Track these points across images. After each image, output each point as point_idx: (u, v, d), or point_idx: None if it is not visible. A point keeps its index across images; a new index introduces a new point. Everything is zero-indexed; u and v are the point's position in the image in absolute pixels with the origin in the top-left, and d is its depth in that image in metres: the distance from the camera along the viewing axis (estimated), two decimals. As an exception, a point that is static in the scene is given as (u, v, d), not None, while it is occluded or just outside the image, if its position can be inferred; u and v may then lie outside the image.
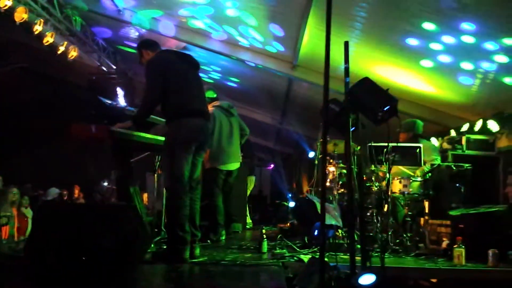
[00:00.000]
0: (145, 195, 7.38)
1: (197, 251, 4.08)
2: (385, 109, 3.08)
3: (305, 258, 4.06)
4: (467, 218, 4.46)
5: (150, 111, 4.04)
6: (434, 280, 4.39)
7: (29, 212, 7.60)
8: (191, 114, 3.97)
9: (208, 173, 5.56)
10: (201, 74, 4.37)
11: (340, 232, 4.84)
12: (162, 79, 3.91)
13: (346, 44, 3.22)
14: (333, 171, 5.44)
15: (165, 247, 4.20)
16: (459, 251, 4.04)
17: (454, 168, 5.17)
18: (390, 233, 4.80)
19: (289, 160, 15.42)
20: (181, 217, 3.84)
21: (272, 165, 15.27)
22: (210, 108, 5.43)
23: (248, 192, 7.89)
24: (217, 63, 8.28)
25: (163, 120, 4.18)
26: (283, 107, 10.03)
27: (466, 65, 5.26)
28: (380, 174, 5.07)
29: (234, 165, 5.78)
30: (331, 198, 5.36)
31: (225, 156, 5.66)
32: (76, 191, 10.43)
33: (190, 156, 3.96)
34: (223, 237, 5.60)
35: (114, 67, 9.08)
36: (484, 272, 3.95)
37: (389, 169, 3.90)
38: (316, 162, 6.12)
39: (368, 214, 4.97)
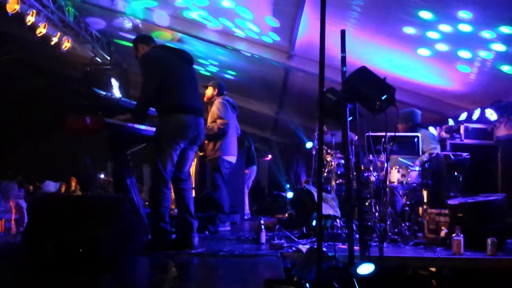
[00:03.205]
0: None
1: (195, 241, 4.08)
2: (383, 98, 3.05)
3: (304, 248, 4.05)
4: (466, 207, 4.44)
5: (147, 107, 4.09)
6: (432, 269, 4.39)
7: (23, 204, 7.55)
8: (182, 110, 4.00)
9: (214, 162, 5.58)
10: (199, 68, 4.37)
11: (338, 222, 4.83)
12: (157, 75, 3.95)
13: (343, 33, 3.19)
14: (331, 161, 5.42)
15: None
16: (458, 240, 4.03)
17: (452, 157, 5.15)
18: (388, 222, 4.79)
19: (286, 151, 15.38)
20: (162, 208, 3.94)
21: (269, 156, 15.23)
22: (219, 99, 5.63)
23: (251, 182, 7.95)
24: (214, 57, 8.22)
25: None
26: (280, 98, 9.98)
27: (464, 54, 5.23)
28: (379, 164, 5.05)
29: (234, 158, 5.81)
30: (329, 188, 5.35)
31: (233, 147, 5.72)
32: (73, 183, 10.37)
33: (176, 152, 4.00)
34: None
35: (109, 58, 8.99)
36: (482, 261, 3.94)
37: (387, 159, 3.87)
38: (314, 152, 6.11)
39: (367, 203, 4.96)
